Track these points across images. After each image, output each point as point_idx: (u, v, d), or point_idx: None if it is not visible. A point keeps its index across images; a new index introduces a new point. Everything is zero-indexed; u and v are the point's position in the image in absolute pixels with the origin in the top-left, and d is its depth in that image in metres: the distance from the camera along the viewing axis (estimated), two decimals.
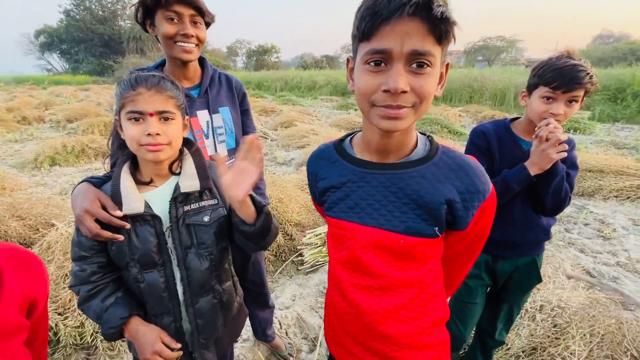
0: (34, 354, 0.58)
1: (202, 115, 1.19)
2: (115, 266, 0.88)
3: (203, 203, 0.89)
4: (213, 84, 1.24)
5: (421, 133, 0.71)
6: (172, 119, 0.82)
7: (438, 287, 0.73)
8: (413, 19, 0.49)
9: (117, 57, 34.00)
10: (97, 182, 0.87)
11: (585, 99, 1.07)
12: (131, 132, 0.79)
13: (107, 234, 0.79)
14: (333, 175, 0.72)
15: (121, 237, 0.81)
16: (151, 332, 0.84)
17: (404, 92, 0.53)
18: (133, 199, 0.82)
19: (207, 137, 1.20)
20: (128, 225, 0.81)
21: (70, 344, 1.72)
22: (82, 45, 40.92)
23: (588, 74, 0.99)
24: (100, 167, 5.15)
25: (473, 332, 1.54)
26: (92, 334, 1.74)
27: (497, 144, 1.14)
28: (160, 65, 1.18)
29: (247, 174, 0.71)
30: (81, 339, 1.73)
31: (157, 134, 0.78)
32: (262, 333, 1.72)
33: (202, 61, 1.24)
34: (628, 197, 3.73)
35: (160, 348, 0.82)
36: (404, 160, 0.66)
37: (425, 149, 0.67)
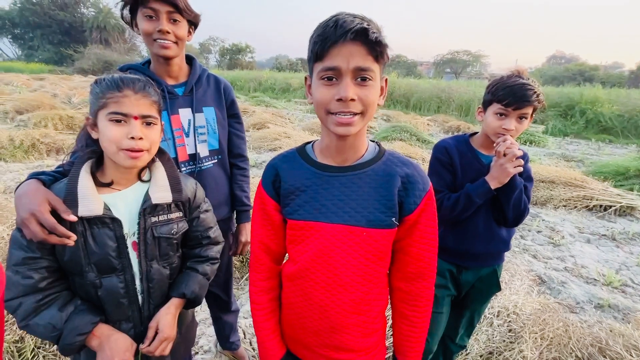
0: None
1: (184, 113, 1.18)
2: (62, 274, 0.81)
3: (171, 215, 0.89)
4: (200, 83, 1.24)
5: (372, 141, 0.81)
6: (154, 124, 0.82)
7: (385, 281, 0.83)
8: (355, 42, 0.62)
9: (78, 47, 31.88)
10: (48, 180, 0.79)
11: (535, 115, 1.14)
12: (112, 133, 0.76)
13: (55, 239, 0.72)
14: (297, 178, 0.77)
15: (71, 242, 0.74)
16: (124, 340, 0.81)
17: (353, 100, 0.65)
18: (91, 200, 0.77)
19: (187, 135, 1.19)
20: (73, 240, 0.74)
21: None
22: (39, 31, 37.92)
23: (535, 92, 1.06)
24: (53, 165, 4.76)
25: None
26: (33, 349, 1.58)
27: (458, 159, 1.19)
28: (148, 63, 1.18)
29: None
30: (20, 355, 1.56)
31: (140, 138, 0.77)
32: (226, 339, 1.65)
33: (190, 60, 1.25)
34: (575, 207, 4.06)
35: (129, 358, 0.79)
36: (359, 162, 0.76)
37: (375, 152, 0.78)
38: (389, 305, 0.88)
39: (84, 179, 0.78)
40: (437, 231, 0.78)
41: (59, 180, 0.80)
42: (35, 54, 38.03)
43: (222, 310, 1.58)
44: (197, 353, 1.73)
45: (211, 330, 1.80)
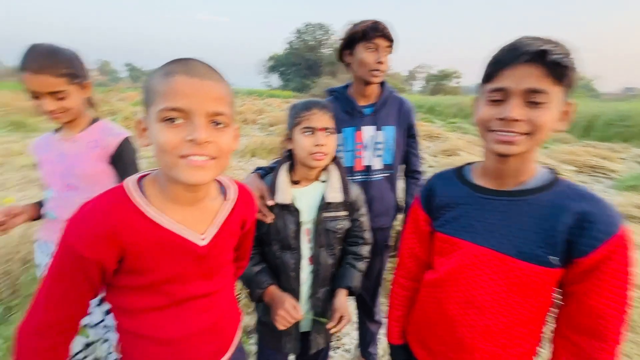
0: (240, 254, 0.88)
1: (367, 130, 1.37)
2: (259, 242, 1.11)
3: (339, 213, 1.07)
4: (385, 104, 1.39)
5: (547, 168, 0.73)
6: (332, 134, 1.03)
7: (538, 324, 0.73)
8: (529, 65, 0.61)
9: (314, 78, 41.20)
10: (263, 173, 1.14)
11: None
12: (304, 143, 1.01)
13: (260, 215, 1.02)
14: (449, 195, 0.80)
15: (269, 220, 1.03)
16: (286, 297, 1.02)
17: (516, 120, 0.63)
18: (285, 192, 1.04)
19: (365, 149, 1.37)
20: (271, 218, 1.02)
21: None
22: (293, 68, 51.97)
23: None
24: None
25: None
26: None
27: None
28: (347, 86, 1.44)
29: None
30: None
31: (323, 145, 0.99)
32: (365, 347, 1.71)
33: (382, 83, 1.42)
34: None
35: (289, 308, 0.98)
36: (521, 188, 0.70)
37: (545, 180, 0.70)
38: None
39: (282, 176, 1.06)
40: (629, 287, 0.62)
41: (269, 174, 1.12)
42: (289, 84, 52.21)
43: (367, 315, 1.65)
44: (339, 348, 1.88)
45: (356, 334, 1.91)
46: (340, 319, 1.02)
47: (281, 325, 0.97)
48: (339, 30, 1.41)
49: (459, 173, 0.82)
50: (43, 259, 1.15)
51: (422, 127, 11.08)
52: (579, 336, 0.66)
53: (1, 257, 2.10)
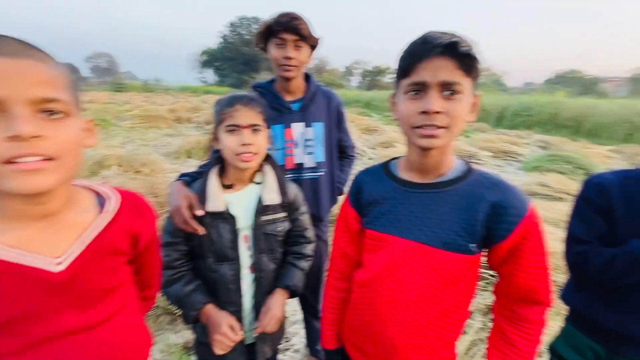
0: (142, 279, 0.75)
1: (297, 127, 1.31)
2: (191, 257, 0.99)
3: (278, 215, 0.99)
4: (313, 100, 1.34)
5: (461, 159, 0.76)
6: (260, 131, 0.93)
7: (463, 311, 0.76)
8: (442, 56, 0.62)
9: (252, 74, 40.05)
10: (189, 180, 1.01)
11: None
12: (228, 142, 0.90)
13: (190, 228, 0.91)
14: (377, 191, 0.79)
15: (202, 231, 0.92)
16: (223, 318, 0.92)
17: (438, 112, 0.63)
18: (216, 198, 0.93)
19: (297, 146, 1.31)
20: (202, 231, 0.91)
21: (161, 306, 2.03)
22: (230, 63, 49.87)
23: None
24: None
25: None
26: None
27: (623, 203, 0.83)
28: (273, 81, 1.36)
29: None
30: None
31: (250, 144, 0.89)
32: (313, 345, 1.69)
33: (308, 78, 1.37)
34: None
35: (226, 331, 0.89)
36: (440, 180, 0.72)
37: (461, 170, 0.73)
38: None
39: (212, 181, 0.94)
40: (547, 258, 0.69)
41: (196, 180, 1.00)
42: (226, 80, 49.98)
43: (310, 314, 1.62)
44: (288, 350, 1.83)
45: (305, 333, 1.87)
46: (266, 317, 0.96)
47: (220, 350, 0.88)
48: None
49: (386, 168, 0.81)
50: None
51: (360, 121, 11.46)
52: (515, 304, 0.72)
53: None
